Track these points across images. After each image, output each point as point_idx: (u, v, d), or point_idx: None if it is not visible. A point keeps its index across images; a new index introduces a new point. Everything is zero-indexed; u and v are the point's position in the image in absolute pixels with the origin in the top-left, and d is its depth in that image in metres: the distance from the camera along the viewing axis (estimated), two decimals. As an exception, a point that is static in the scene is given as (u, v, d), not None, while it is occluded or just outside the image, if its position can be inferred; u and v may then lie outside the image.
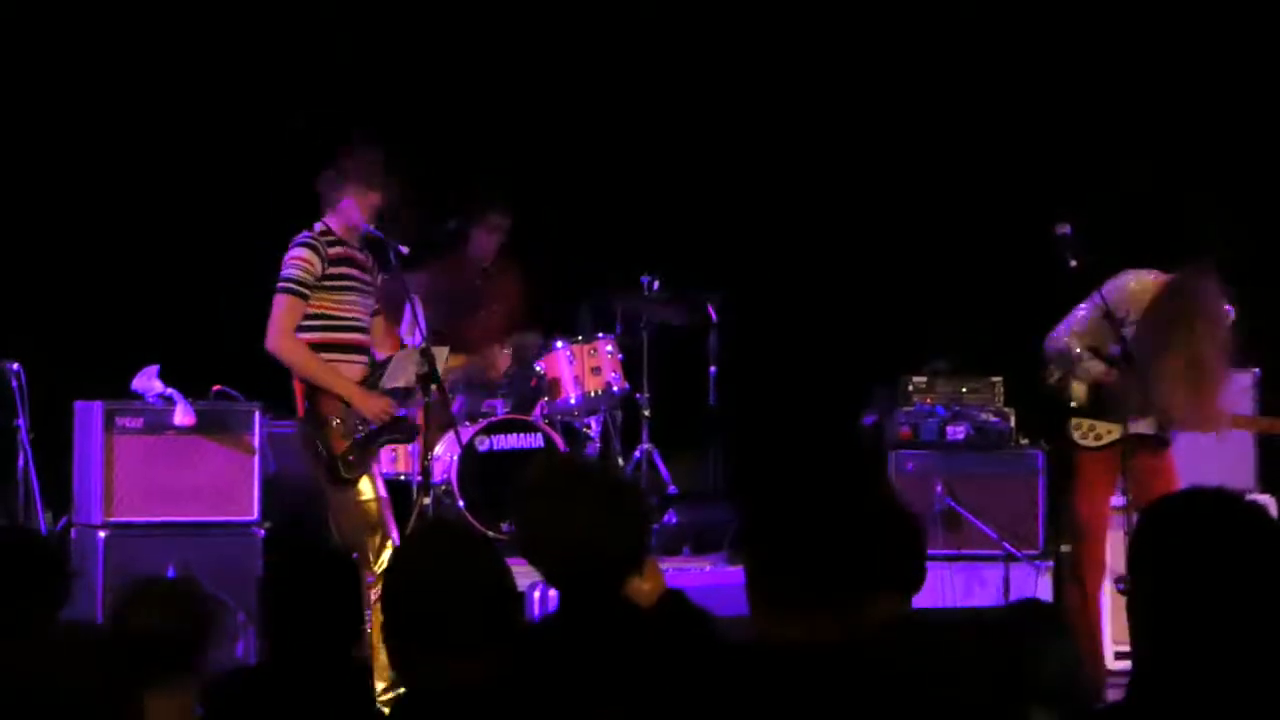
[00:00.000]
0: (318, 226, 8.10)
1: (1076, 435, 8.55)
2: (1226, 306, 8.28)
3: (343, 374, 8.06)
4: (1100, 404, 8.50)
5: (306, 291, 7.99)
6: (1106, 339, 8.50)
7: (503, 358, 10.27)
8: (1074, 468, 8.59)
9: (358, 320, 8.16)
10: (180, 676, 4.37)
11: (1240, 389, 9.89)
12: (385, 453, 10.03)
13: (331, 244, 8.08)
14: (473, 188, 10.92)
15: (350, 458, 8.04)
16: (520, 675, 3.78)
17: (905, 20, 11.81)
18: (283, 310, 8.00)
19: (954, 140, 11.69)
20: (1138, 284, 8.43)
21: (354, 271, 8.13)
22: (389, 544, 8.02)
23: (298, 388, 8.11)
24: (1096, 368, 8.50)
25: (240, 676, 4.84)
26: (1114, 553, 8.92)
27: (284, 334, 7.99)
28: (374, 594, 7.77)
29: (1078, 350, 8.51)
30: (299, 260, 8.02)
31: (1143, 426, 8.48)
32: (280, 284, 8.02)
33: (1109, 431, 8.52)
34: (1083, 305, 8.54)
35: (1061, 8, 11.59)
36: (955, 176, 11.68)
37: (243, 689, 4.61)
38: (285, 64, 11.12)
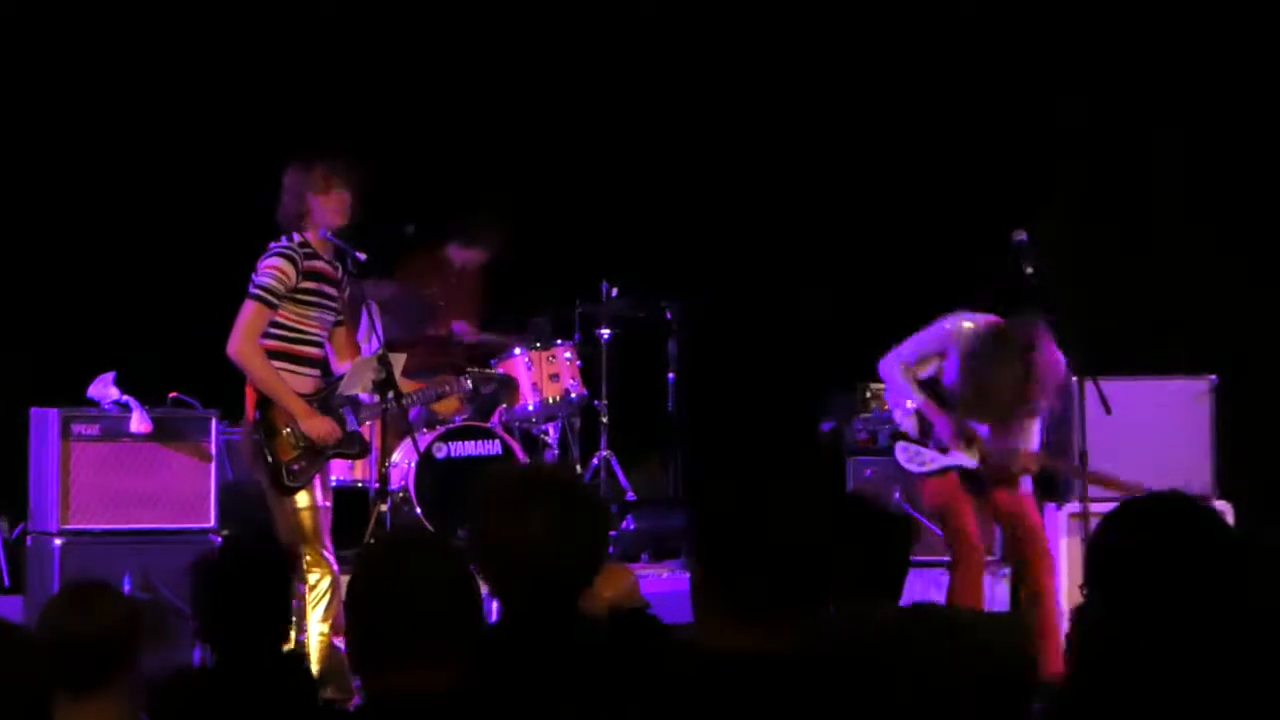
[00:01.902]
0: (296, 237, 8.11)
1: (903, 458, 8.72)
2: (1055, 355, 8.42)
3: (294, 391, 8.09)
4: (925, 432, 8.66)
5: (276, 301, 8.03)
6: (937, 373, 8.68)
7: (454, 403, 10.18)
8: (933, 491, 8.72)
9: (317, 335, 8.21)
10: (111, 682, 4.35)
11: (1196, 394, 9.97)
12: (343, 460, 10.02)
13: (308, 256, 8.12)
14: (482, 205, 10.94)
15: (295, 467, 8.08)
16: (484, 682, 3.77)
17: (865, 31, 11.82)
18: (250, 317, 8.03)
19: (912, 148, 11.70)
20: (963, 328, 8.57)
21: (324, 287, 8.18)
22: (323, 560, 8.04)
23: (250, 394, 8.13)
24: (919, 400, 8.66)
25: (184, 678, 4.82)
26: (1071, 559, 8.97)
27: (247, 340, 8.02)
28: (309, 603, 7.89)
29: (912, 388, 8.66)
30: (274, 270, 8.04)
31: (963, 459, 8.57)
32: (252, 290, 8.04)
33: (933, 459, 8.62)
34: (916, 338, 8.69)
35: (1015, 23, 11.62)
36: (913, 184, 11.70)
37: (187, 690, 4.60)
38: (241, 71, 11.08)
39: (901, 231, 11.65)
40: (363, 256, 8.26)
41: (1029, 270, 8.64)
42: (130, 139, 10.91)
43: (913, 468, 8.69)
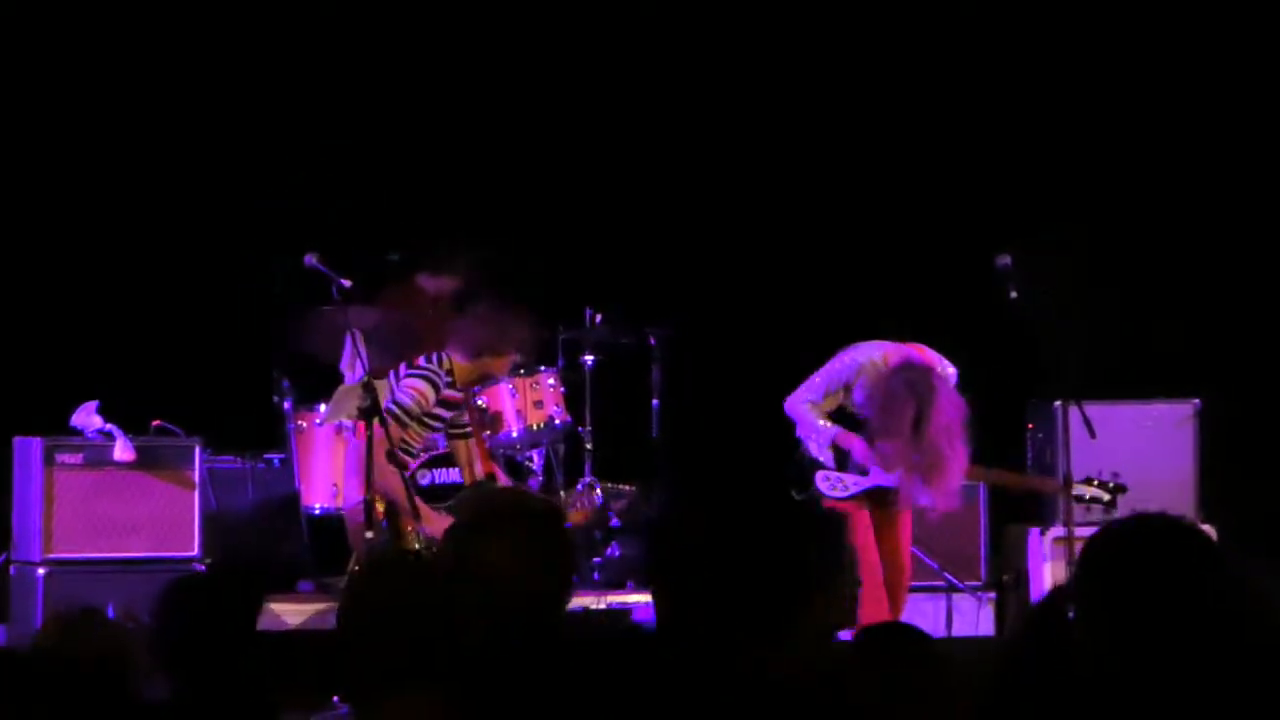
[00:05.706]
0: (442, 358, 8.62)
1: (825, 486, 8.86)
2: (957, 399, 8.57)
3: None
4: (841, 458, 8.84)
5: (409, 422, 8.50)
6: (844, 403, 8.91)
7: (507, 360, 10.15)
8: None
9: (417, 449, 8.68)
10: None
11: (1180, 419, 10.02)
12: (326, 486, 10.01)
13: (449, 385, 8.64)
14: (450, 234, 10.94)
15: None
16: (475, 709, 3.76)
17: (841, 60, 11.85)
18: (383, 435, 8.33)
19: (895, 172, 11.72)
20: (870, 362, 8.80)
21: (446, 415, 8.71)
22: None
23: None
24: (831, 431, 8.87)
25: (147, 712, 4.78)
26: (1054, 583, 8.97)
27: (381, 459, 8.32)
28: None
29: (821, 422, 8.87)
30: (418, 393, 8.54)
31: (883, 478, 8.72)
32: (389, 406, 8.43)
33: (855, 483, 8.73)
34: (823, 375, 8.95)
35: (1003, 41, 11.65)
36: (897, 211, 11.71)
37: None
38: (225, 99, 11.08)
39: (884, 257, 11.65)
40: (347, 283, 8.27)
41: (1013, 295, 8.66)
42: (113, 161, 10.87)
43: (836, 494, 8.80)
